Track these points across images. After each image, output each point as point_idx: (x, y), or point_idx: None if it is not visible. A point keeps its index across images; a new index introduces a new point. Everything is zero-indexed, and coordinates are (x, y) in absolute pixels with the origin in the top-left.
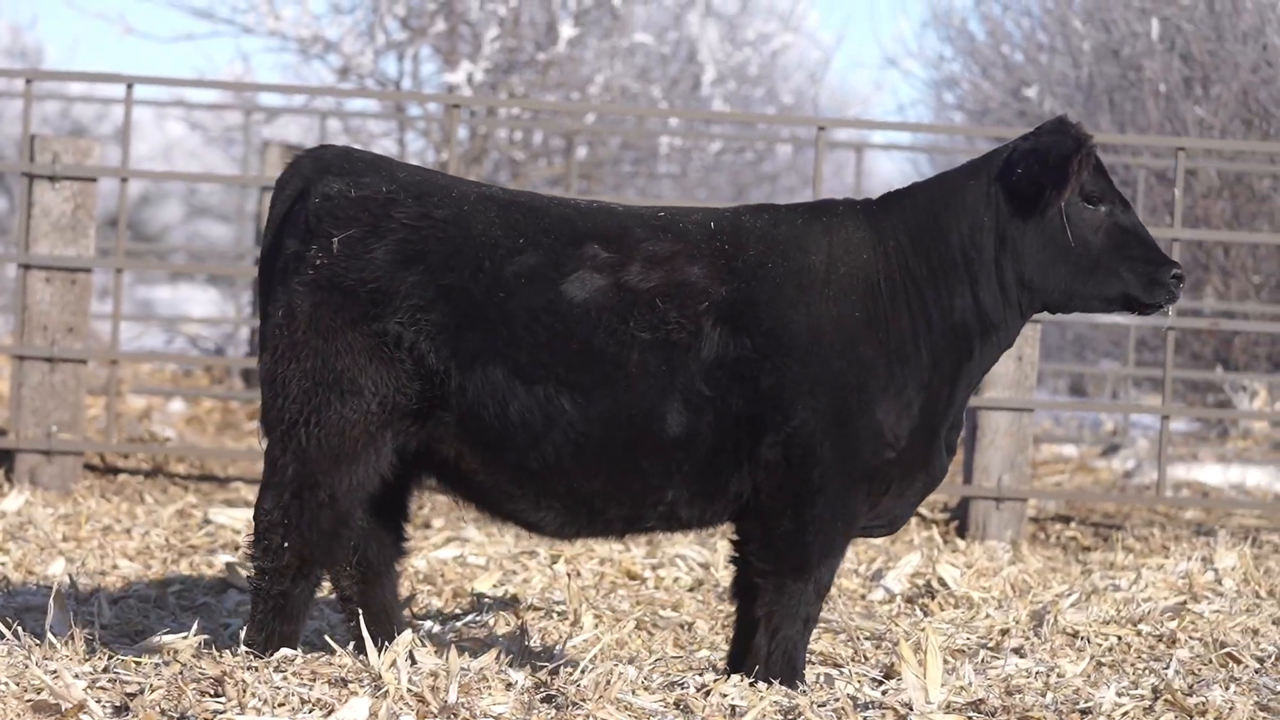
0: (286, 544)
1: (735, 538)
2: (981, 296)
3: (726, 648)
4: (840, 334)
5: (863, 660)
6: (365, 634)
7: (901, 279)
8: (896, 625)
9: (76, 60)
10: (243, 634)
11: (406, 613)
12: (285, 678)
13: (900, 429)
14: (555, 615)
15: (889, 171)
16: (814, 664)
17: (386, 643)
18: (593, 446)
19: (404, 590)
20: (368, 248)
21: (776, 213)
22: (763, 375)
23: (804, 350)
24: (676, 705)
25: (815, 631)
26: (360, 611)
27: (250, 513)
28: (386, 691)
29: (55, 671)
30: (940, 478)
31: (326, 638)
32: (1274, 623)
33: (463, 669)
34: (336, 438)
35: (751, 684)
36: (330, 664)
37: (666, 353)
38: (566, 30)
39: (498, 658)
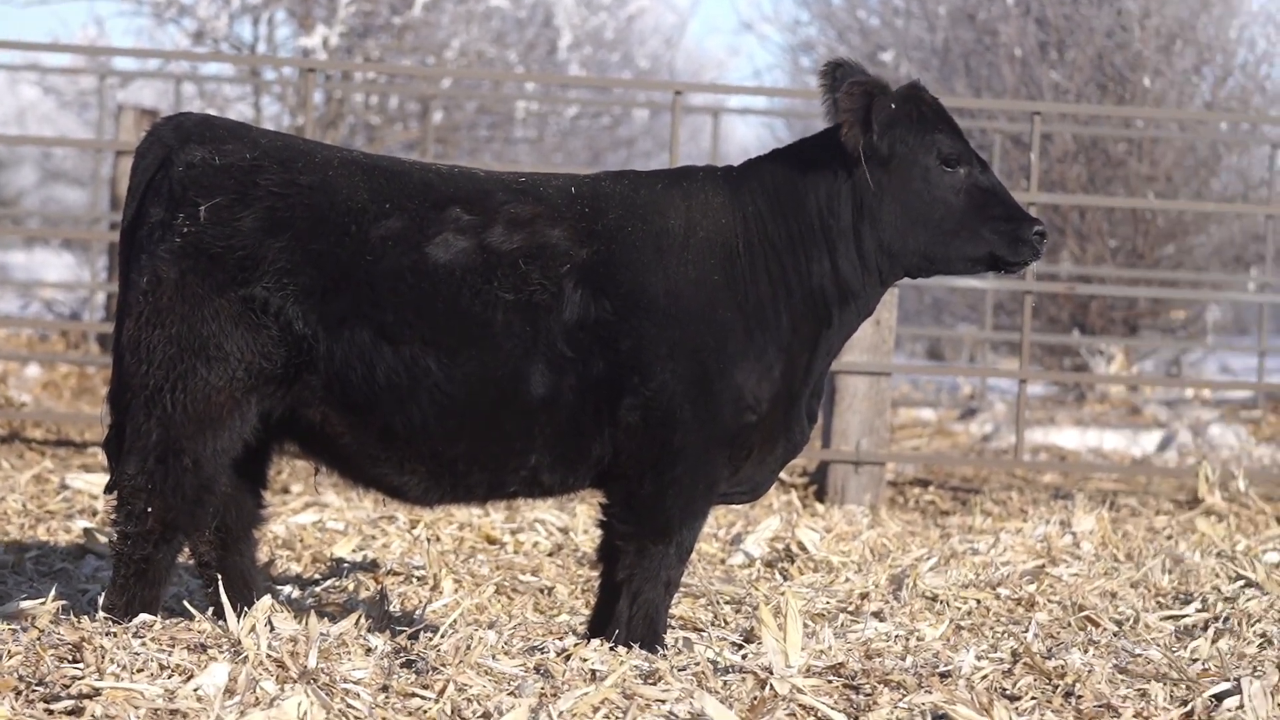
0: (150, 509)
1: (602, 501)
2: (840, 264)
3: (586, 612)
4: (698, 297)
5: (723, 624)
6: (224, 600)
7: (760, 244)
8: (756, 589)
9: None
10: (101, 599)
11: (265, 578)
12: (144, 643)
13: (760, 392)
14: (415, 580)
15: (745, 136)
16: (674, 628)
17: (246, 608)
18: (458, 408)
19: (263, 556)
20: (235, 215)
21: (637, 178)
22: (622, 338)
23: (662, 313)
24: (537, 670)
25: (675, 596)
26: (219, 577)
27: (107, 478)
28: (246, 657)
29: None
30: (801, 445)
31: (186, 603)
32: (1131, 586)
33: (322, 634)
34: (201, 403)
35: (612, 648)
36: (189, 630)
37: (529, 314)
38: None
39: (357, 623)
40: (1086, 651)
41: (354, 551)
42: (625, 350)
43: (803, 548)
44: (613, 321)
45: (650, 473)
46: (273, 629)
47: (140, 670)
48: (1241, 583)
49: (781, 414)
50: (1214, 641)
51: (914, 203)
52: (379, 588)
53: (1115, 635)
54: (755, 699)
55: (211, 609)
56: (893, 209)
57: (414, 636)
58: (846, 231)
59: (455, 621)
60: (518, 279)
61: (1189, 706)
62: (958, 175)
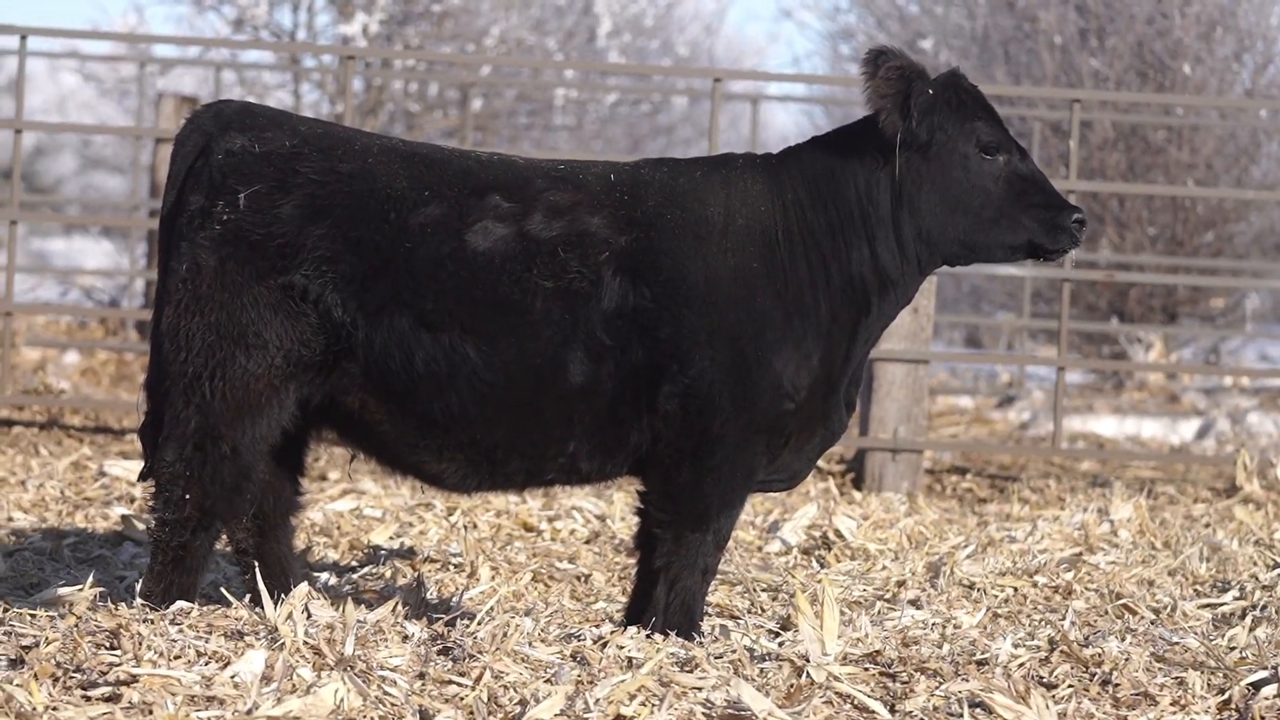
0: (187, 496)
1: (640, 489)
2: (879, 252)
3: (623, 600)
4: (737, 285)
5: (759, 612)
6: (262, 586)
7: (800, 232)
8: (793, 577)
9: None
10: (138, 586)
11: (303, 565)
12: (181, 630)
13: (799, 380)
14: (452, 567)
15: (785, 123)
16: (711, 616)
17: (283, 595)
18: (496, 395)
19: (300, 543)
20: (275, 202)
21: (676, 165)
22: (661, 325)
23: (701, 300)
24: (574, 657)
25: (712, 583)
26: (256, 564)
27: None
28: (283, 644)
29: None
30: (839, 433)
31: (223, 590)
32: (1169, 574)
33: (359, 621)
34: (240, 391)
35: (648, 635)
36: (226, 616)
37: (568, 301)
38: None
39: (394, 610)
40: (1124, 639)
41: (391, 539)
42: (664, 338)
43: (840, 535)
44: (651, 309)
45: (688, 460)
46: (309, 616)
47: (177, 657)
48: (1279, 571)
49: (820, 402)
50: (1252, 630)
51: (953, 190)
52: (416, 575)
53: (1152, 623)
54: (792, 686)
55: (249, 596)
56: (931, 197)
57: (451, 624)
58: (885, 219)
59: (492, 609)
60: (557, 266)
61: (1226, 695)
62: (997, 163)
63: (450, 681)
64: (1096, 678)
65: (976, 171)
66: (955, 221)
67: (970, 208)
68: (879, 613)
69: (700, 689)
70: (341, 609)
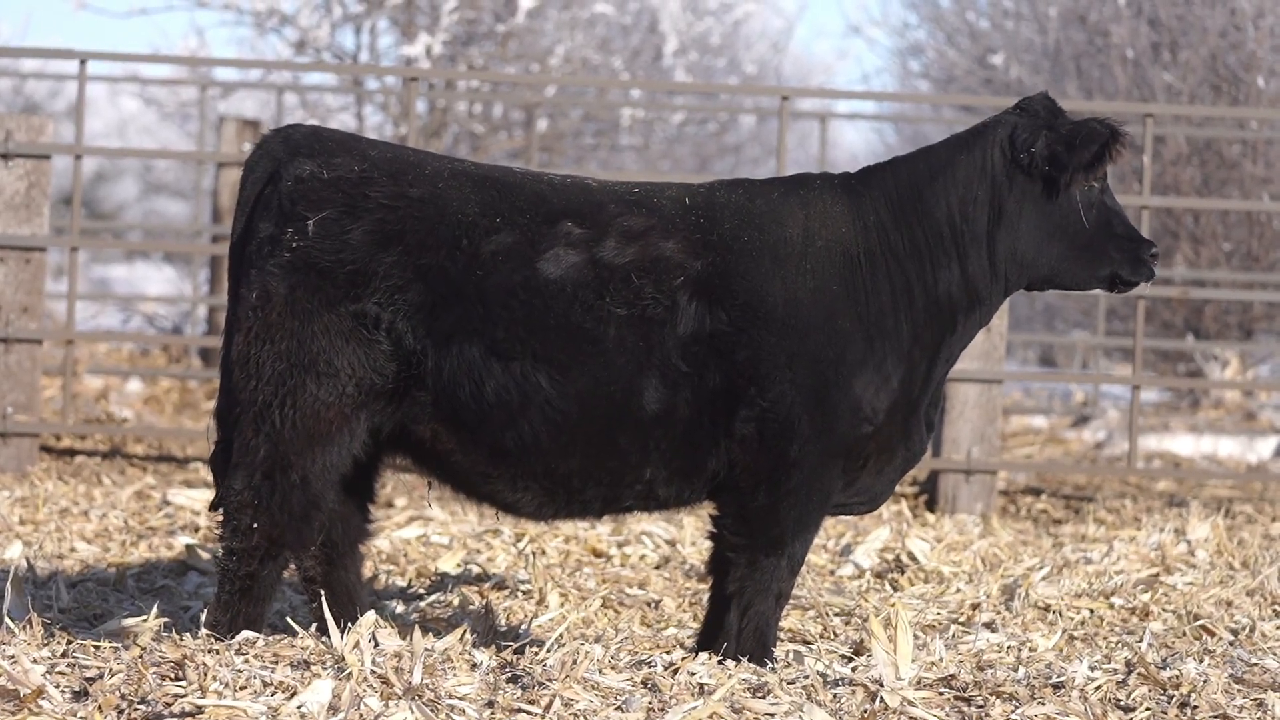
0: (256, 525)
1: (713, 513)
2: (970, 270)
3: (694, 625)
4: (817, 307)
5: (832, 636)
6: (328, 615)
7: (882, 252)
8: (866, 601)
9: (29, 36)
10: (203, 616)
11: (370, 593)
12: (247, 660)
13: (878, 403)
14: (520, 594)
15: (854, 141)
16: (783, 641)
17: (350, 624)
18: (570, 424)
19: (367, 570)
20: (344, 229)
21: (752, 187)
22: (738, 349)
23: (780, 323)
24: (644, 684)
25: (785, 608)
26: (323, 592)
27: (210, 494)
28: (350, 673)
29: (13, 657)
30: (920, 454)
31: (289, 619)
32: (1247, 594)
33: (427, 650)
34: (310, 419)
35: (720, 661)
36: (293, 646)
37: (642, 328)
38: (526, 1)
39: (462, 638)
40: (1202, 661)
41: (459, 566)
42: (741, 361)
43: (913, 558)
44: (729, 333)
45: (765, 484)
46: (377, 645)
47: (243, 688)
48: None
49: (900, 423)
50: None
51: (1054, 214)
52: (484, 602)
53: (1231, 644)
54: (865, 712)
55: (315, 625)
56: (1033, 220)
57: (520, 651)
58: (980, 238)
59: (561, 636)
60: (630, 293)
61: None
62: (1093, 190)
63: (519, 710)
64: (1174, 700)
65: (1078, 197)
66: (1051, 247)
67: (1067, 232)
68: (953, 636)
69: (773, 715)
70: (409, 637)
